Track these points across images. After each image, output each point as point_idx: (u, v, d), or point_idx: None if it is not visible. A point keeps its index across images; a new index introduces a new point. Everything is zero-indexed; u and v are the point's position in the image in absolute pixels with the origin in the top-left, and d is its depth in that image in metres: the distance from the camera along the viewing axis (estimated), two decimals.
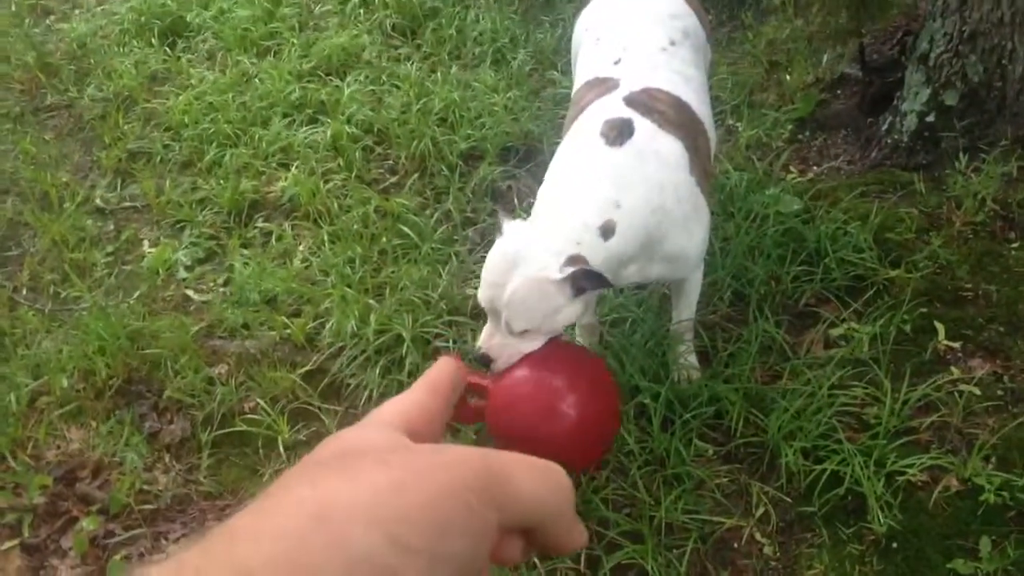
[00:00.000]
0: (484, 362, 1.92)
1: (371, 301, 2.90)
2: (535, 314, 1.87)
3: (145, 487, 2.54)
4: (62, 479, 2.60)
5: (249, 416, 2.66)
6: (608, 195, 1.99)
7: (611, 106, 2.19)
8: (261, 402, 2.68)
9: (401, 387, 2.62)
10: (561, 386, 1.83)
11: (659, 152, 2.10)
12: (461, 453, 0.47)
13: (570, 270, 1.86)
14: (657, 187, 2.06)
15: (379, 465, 0.45)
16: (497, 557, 0.48)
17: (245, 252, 3.28)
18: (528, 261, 1.87)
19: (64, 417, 2.75)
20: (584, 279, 1.87)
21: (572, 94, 2.53)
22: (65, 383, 2.82)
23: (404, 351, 2.71)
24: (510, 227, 1.95)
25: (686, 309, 2.48)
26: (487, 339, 1.94)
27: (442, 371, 0.62)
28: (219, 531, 0.41)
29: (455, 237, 3.22)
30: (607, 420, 1.86)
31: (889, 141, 3.31)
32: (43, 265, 3.40)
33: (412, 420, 0.55)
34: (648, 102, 2.19)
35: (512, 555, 0.49)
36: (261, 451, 2.59)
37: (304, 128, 3.81)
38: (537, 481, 0.49)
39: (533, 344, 1.89)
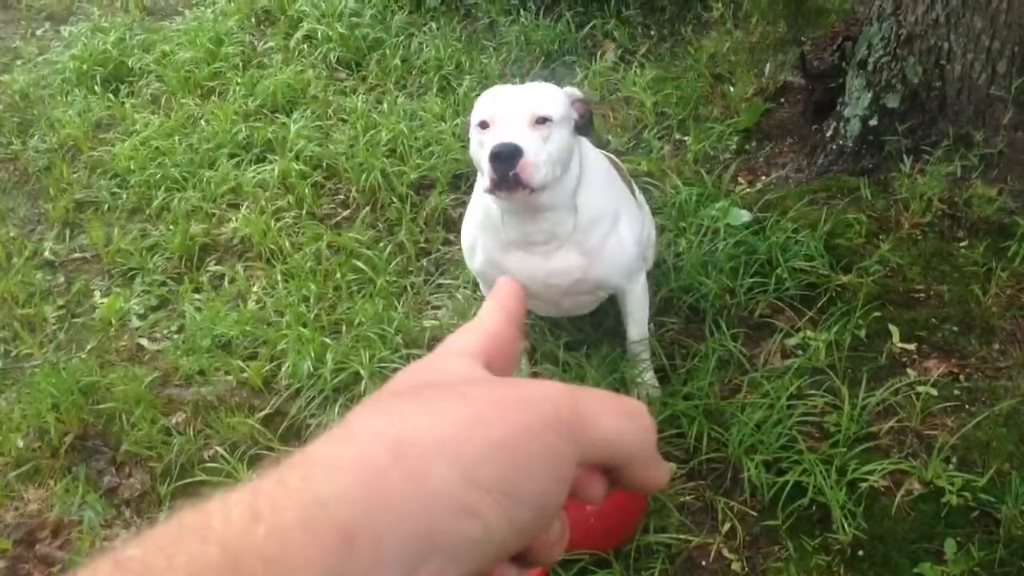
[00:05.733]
0: (515, 153, 1.83)
1: (327, 339, 2.87)
2: (556, 103, 1.96)
3: (106, 544, 2.49)
4: (21, 541, 2.54)
5: (209, 464, 2.62)
6: None
7: None
8: (220, 449, 2.64)
9: None
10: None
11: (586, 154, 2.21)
12: (543, 388, 0.46)
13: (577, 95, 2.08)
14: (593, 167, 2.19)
15: (459, 398, 0.44)
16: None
17: (198, 297, 3.23)
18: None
19: (21, 478, 2.70)
20: (584, 112, 2.06)
21: None
22: (20, 443, 2.76)
23: (362, 388, 2.68)
24: None
25: (635, 328, 2.47)
26: (501, 139, 1.86)
27: (510, 293, 0.57)
28: (295, 460, 0.40)
29: (409, 268, 3.20)
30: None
31: (834, 147, 3.33)
32: None
33: (489, 349, 0.52)
34: None
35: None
36: None
37: (252, 167, 3.78)
38: (620, 419, 0.48)
39: (552, 145, 1.92)
